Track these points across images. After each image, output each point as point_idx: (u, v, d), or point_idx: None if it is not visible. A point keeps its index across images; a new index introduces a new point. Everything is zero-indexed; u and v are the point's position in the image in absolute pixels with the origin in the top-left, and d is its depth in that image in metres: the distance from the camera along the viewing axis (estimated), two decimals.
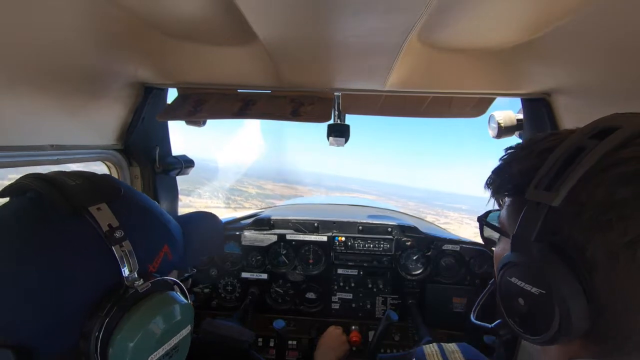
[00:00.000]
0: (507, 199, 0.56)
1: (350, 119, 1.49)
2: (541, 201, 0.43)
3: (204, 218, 0.87)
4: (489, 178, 0.58)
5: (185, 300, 0.60)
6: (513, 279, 0.47)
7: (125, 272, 0.53)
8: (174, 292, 0.60)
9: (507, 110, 1.37)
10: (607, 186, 0.39)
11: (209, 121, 1.39)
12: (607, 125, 0.43)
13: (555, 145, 0.46)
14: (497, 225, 0.59)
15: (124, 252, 0.53)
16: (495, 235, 0.62)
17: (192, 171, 1.56)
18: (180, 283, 0.62)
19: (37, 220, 0.51)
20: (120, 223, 0.54)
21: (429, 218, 1.96)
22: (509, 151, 0.55)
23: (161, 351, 0.54)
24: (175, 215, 0.76)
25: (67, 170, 0.62)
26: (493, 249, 0.69)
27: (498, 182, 0.54)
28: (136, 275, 0.54)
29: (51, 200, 0.52)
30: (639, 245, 0.38)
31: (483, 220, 0.63)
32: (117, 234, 0.53)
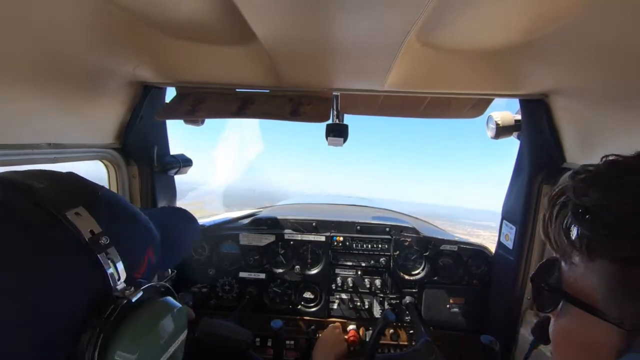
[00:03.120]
0: (603, 262, 0.39)
1: (348, 120, 1.49)
2: None
3: (177, 213, 0.81)
4: (561, 224, 0.42)
5: (179, 305, 0.56)
6: None
7: (115, 281, 0.49)
8: (168, 298, 0.55)
9: (506, 111, 1.38)
10: None
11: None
12: None
13: None
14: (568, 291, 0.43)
15: (110, 259, 0.49)
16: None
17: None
18: (170, 287, 0.58)
19: (10, 232, 0.44)
20: (103, 228, 0.49)
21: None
22: (582, 183, 0.41)
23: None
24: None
25: (62, 169, 0.59)
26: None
27: (596, 239, 0.39)
28: (125, 284, 0.50)
29: (22, 210, 0.46)
30: None
31: (553, 289, 0.46)
32: (103, 241, 0.48)
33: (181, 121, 1.37)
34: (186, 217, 0.80)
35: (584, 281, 0.41)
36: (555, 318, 0.48)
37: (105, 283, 0.48)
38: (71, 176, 0.56)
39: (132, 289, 0.50)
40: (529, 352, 0.69)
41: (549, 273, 0.48)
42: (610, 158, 0.41)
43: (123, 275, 0.50)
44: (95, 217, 0.50)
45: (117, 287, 0.49)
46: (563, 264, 0.45)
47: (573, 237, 0.40)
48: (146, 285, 0.52)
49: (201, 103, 1.19)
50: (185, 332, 0.56)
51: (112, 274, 0.49)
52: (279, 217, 1.80)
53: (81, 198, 0.51)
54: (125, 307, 0.48)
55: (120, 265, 0.50)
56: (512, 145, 1.42)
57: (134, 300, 0.49)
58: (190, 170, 1.59)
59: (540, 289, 0.49)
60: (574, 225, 0.40)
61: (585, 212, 0.39)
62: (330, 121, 1.40)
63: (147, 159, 1.37)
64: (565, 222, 0.42)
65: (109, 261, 0.48)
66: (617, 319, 0.37)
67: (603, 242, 0.38)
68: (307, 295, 1.75)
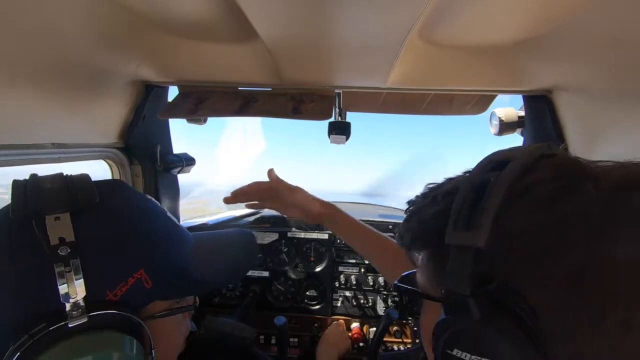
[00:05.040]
0: (422, 255, 0.49)
1: (351, 117, 1.49)
2: (465, 243, 0.37)
3: (232, 241, 0.74)
4: (398, 235, 0.53)
5: (132, 351, 0.47)
6: (455, 352, 0.36)
7: (64, 297, 0.44)
8: (124, 337, 0.47)
9: (509, 107, 1.37)
10: (529, 213, 0.35)
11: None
12: (500, 159, 0.41)
13: (458, 186, 0.42)
14: (416, 289, 0.51)
15: (68, 272, 0.44)
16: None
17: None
18: (143, 324, 0.50)
19: None
20: (77, 237, 0.46)
21: None
22: (411, 202, 0.52)
23: None
24: (175, 214, 0.72)
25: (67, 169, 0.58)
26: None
27: (409, 236, 0.49)
28: (81, 303, 0.45)
29: (12, 206, 0.47)
30: (585, 275, 0.32)
31: (402, 287, 0.54)
32: (62, 251, 0.45)
33: (184, 120, 1.38)
34: (241, 247, 0.73)
35: (422, 273, 0.49)
36: (421, 318, 0.55)
37: (55, 298, 0.44)
38: (81, 179, 0.53)
39: (80, 311, 0.45)
40: None
41: (409, 280, 0.56)
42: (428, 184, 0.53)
43: (81, 293, 0.45)
44: (76, 224, 0.47)
45: (67, 305, 0.45)
46: (416, 270, 0.53)
47: (403, 238, 0.51)
48: (100, 313, 0.46)
49: (203, 102, 1.19)
50: None
51: (64, 289, 0.44)
52: (281, 215, 1.80)
53: (71, 203, 0.48)
54: (56, 331, 0.43)
55: (80, 281, 0.45)
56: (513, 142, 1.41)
57: (71, 325, 0.44)
58: (193, 169, 1.60)
59: (401, 295, 0.59)
60: (403, 229, 0.52)
61: (407, 218, 0.51)
62: (332, 119, 1.40)
63: (150, 158, 1.38)
64: (399, 230, 0.53)
65: (67, 274, 0.44)
66: (437, 296, 0.43)
67: (415, 235, 0.48)
68: (311, 292, 1.76)
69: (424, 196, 0.50)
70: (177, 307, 0.60)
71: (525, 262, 0.35)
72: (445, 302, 0.39)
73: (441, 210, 0.43)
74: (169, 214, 0.63)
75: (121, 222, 0.52)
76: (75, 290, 0.45)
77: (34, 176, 0.52)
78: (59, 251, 0.45)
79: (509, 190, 0.36)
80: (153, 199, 0.63)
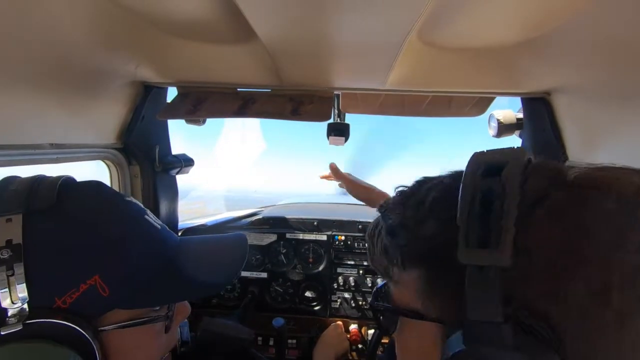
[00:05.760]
0: (411, 271, 0.44)
1: (350, 119, 1.49)
2: (486, 263, 0.32)
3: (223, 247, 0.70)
4: (380, 248, 0.48)
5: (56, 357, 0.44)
6: None
7: (4, 302, 0.43)
8: (60, 349, 0.44)
9: (508, 109, 1.37)
10: (544, 226, 0.33)
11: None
12: (490, 162, 0.37)
13: (444, 195, 0.40)
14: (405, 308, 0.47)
15: (10, 276, 0.43)
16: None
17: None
18: (87, 336, 0.46)
19: None
20: (25, 240, 0.44)
21: None
22: (386, 211, 0.49)
23: None
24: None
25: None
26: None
27: (399, 252, 0.45)
28: (25, 309, 0.43)
29: None
30: (610, 292, 0.29)
31: (380, 305, 0.52)
32: (4, 254, 0.43)
33: (182, 121, 1.37)
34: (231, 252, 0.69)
35: (407, 291, 0.45)
36: (397, 338, 0.51)
37: None
38: (50, 181, 0.51)
39: (17, 318, 0.43)
40: None
41: (383, 297, 0.54)
42: (399, 189, 0.50)
43: (23, 299, 0.43)
44: (26, 226, 0.45)
45: (7, 310, 0.43)
46: (392, 286, 0.50)
47: (390, 254, 0.47)
48: (35, 322, 0.43)
49: (202, 102, 1.19)
50: None
51: (4, 294, 0.43)
52: (280, 217, 1.80)
53: (26, 204, 0.46)
54: None
55: (22, 286, 0.43)
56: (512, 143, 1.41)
57: (3, 333, 0.42)
58: (192, 170, 1.59)
59: (376, 312, 0.55)
60: (388, 244, 0.47)
61: (392, 232, 0.46)
62: (331, 120, 1.40)
63: (148, 158, 1.38)
64: (382, 244, 0.48)
65: (8, 278, 0.43)
66: (433, 315, 0.40)
67: (407, 252, 0.44)
68: (309, 294, 1.75)
69: (403, 205, 0.46)
70: (145, 317, 0.55)
71: (544, 279, 0.32)
72: (466, 329, 0.34)
73: (441, 224, 0.39)
74: (149, 217, 0.59)
75: (76, 225, 0.49)
76: (17, 295, 0.43)
77: (6, 179, 0.51)
78: (1, 254, 0.43)
79: (521, 202, 0.33)
80: (134, 201, 0.60)
